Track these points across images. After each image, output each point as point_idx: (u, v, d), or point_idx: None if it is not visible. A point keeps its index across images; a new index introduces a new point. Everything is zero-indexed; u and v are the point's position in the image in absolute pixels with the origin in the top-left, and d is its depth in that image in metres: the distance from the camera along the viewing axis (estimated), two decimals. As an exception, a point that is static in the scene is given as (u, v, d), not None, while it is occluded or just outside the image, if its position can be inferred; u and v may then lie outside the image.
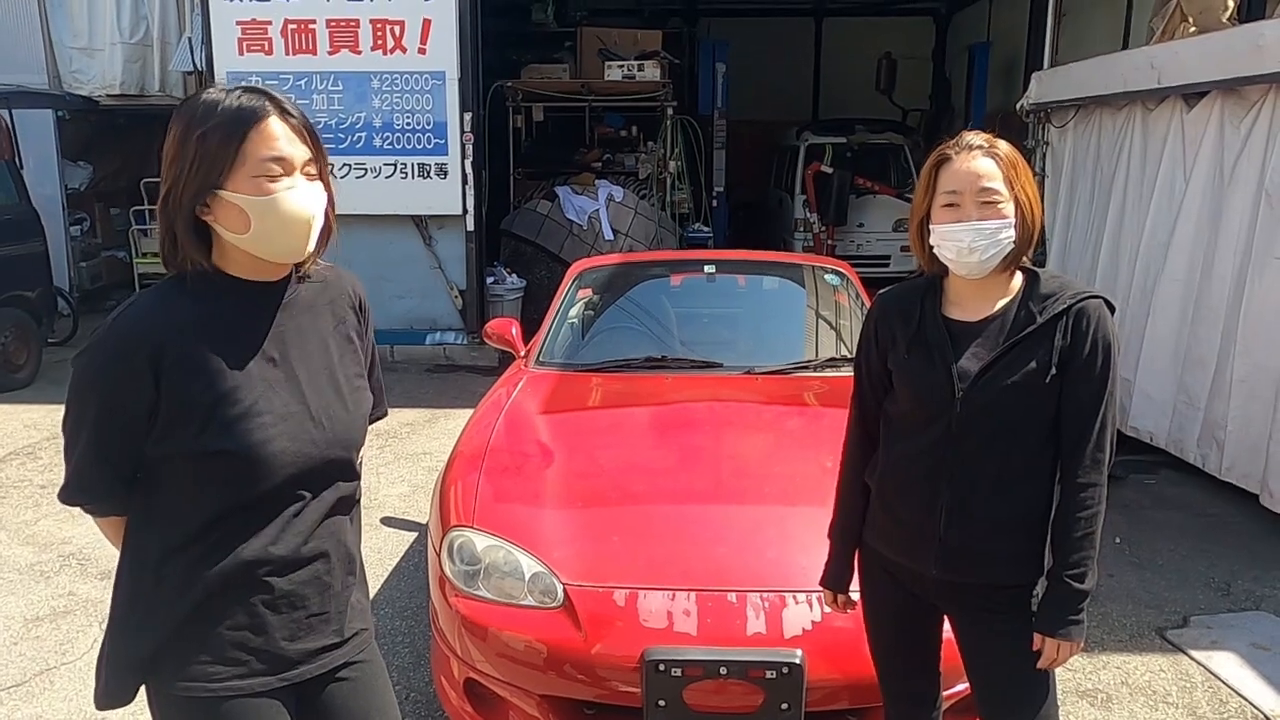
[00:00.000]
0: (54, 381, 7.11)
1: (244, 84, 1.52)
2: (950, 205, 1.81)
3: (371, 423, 1.72)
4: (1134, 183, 5.64)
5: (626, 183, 9.69)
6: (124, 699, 1.58)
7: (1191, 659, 3.34)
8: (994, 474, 1.85)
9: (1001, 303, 1.88)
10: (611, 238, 8.81)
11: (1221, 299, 4.88)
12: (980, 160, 1.80)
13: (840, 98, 15.02)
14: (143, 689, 1.58)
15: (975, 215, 1.78)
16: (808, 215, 11.22)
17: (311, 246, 1.53)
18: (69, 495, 1.56)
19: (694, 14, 14.69)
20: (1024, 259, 1.89)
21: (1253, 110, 4.70)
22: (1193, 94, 5.17)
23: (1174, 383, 5.23)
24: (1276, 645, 3.42)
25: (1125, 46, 8.07)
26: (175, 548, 1.51)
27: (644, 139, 10.23)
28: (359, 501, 1.71)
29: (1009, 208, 1.79)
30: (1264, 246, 4.54)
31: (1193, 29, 5.69)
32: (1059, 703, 1.95)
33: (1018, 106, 7.29)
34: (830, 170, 11.10)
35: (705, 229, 10.23)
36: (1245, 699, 3.09)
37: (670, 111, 9.62)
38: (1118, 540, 4.34)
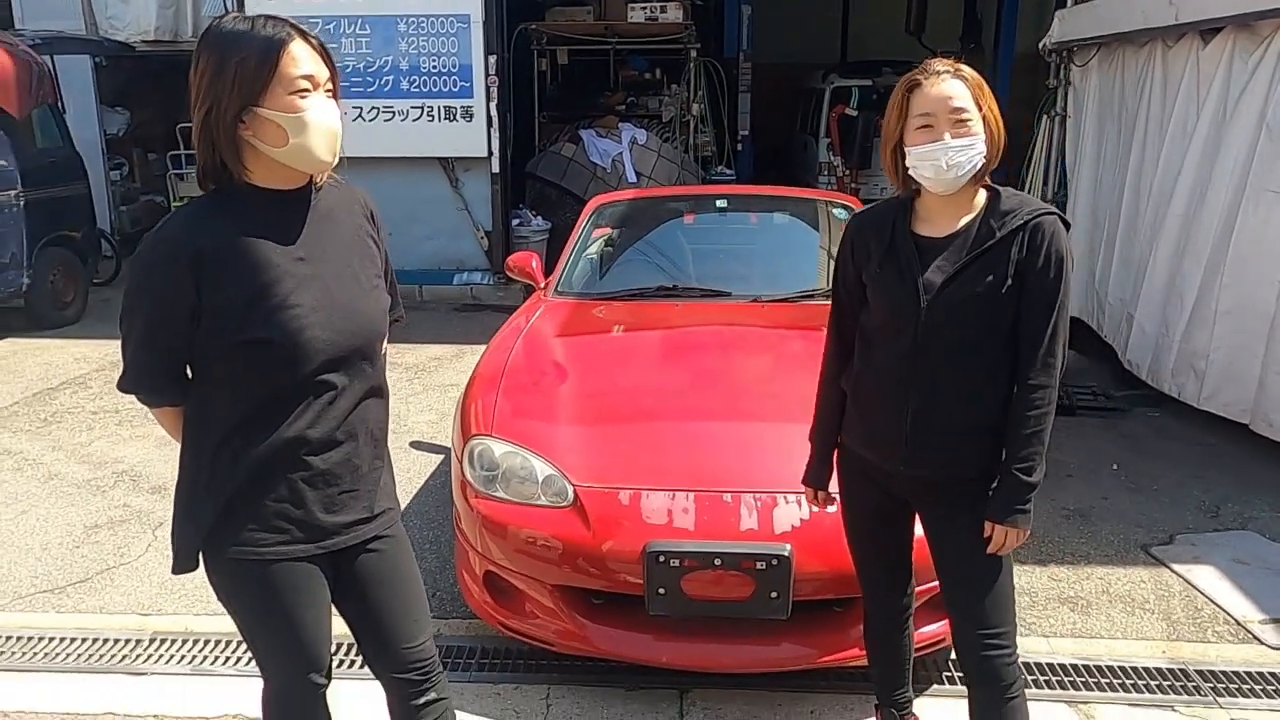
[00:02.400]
0: (101, 319, 7.44)
1: (262, 14, 1.68)
2: (925, 127, 1.95)
3: (391, 324, 1.91)
4: (1154, 120, 5.67)
5: (650, 125, 9.76)
6: (191, 566, 1.80)
7: (1173, 571, 3.52)
8: (956, 379, 2.02)
9: (965, 219, 2.03)
10: (634, 180, 8.93)
11: (1209, 232, 4.95)
12: (950, 82, 1.94)
13: (869, 40, 14.84)
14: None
15: (949, 134, 1.93)
16: (832, 158, 11.22)
17: (336, 158, 1.72)
18: (125, 384, 1.77)
19: (721, -45, 14.53)
20: (987, 179, 2.03)
21: (1262, 45, 4.71)
22: (1209, 30, 5.17)
23: (1161, 316, 5.34)
24: (1257, 561, 3.59)
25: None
26: (228, 432, 1.72)
27: (667, 82, 10.27)
28: (386, 393, 1.90)
29: (978, 125, 1.93)
30: (1259, 179, 4.60)
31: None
32: (1014, 584, 2.15)
33: (1040, 45, 7.27)
34: (855, 113, 11.06)
35: (729, 171, 10.31)
36: (1219, 606, 3.27)
37: (694, 54, 9.64)
38: (1115, 467, 4.50)
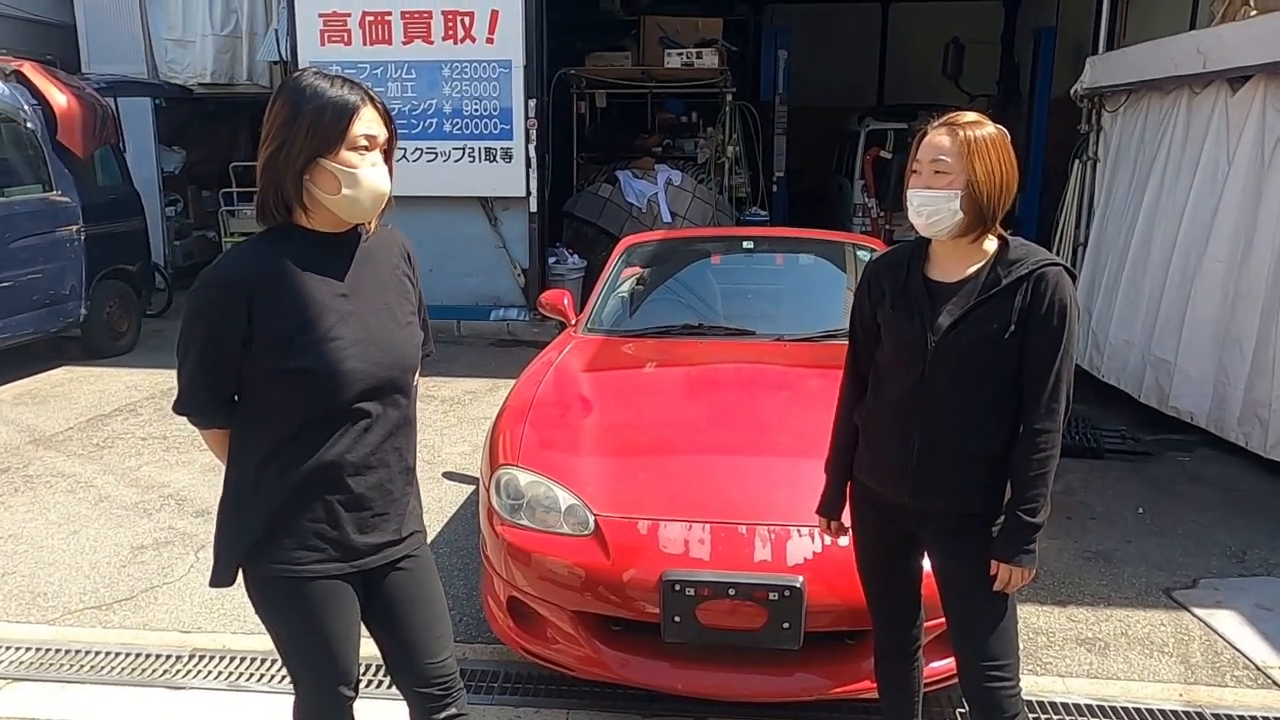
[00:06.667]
0: (152, 349, 7.73)
1: (340, 74, 1.84)
2: (914, 172, 2.07)
3: (422, 357, 2.04)
4: (1173, 165, 5.72)
5: (685, 167, 9.96)
6: (229, 580, 1.92)
7: (1194, 615, 3.51)
8: (960, 415, 2.09)
9: (974, 267, 2.11)
10: (669, 220, 9.10)
11: (1261, 279, 4.96)
12: (939, 135, 2.04)
13: (906, 84, 14.98)
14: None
15: (926, 183, 2.04)
16: (866, 200, 11.32)
17: (377, 212, 1.88)
18: (179, 406, 1.91)
19: (761, 1, 14.84)
20: (996, 228, 2.12)
21: (1294, 93, 4.76)
22: (1238, 78, 5.23)
23: (1214, 363, 5.31)
24: (1280, 607, 3.58)
25: (1193, 29, 8.00)
26: (269, 454, 1.85)
27: (703, 124, 10.48)
28: (415, 424, 2.02)
29: (957, 180, 2.00)
30: (1304, 228, 4.62)
31: (1254, 12, 5.71)
32: (1019, 618, 2.20)
33: (1071, 91, 7.34)
34: (890, 155, 11.17)
35: (762, 212, 10.44)
36: (1239, 651, 3.26)
37: (729, 98, 9.84)
38: (1140, 510, 4.50)
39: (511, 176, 8.48)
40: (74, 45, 10.30)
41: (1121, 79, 6.57)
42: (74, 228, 7.15)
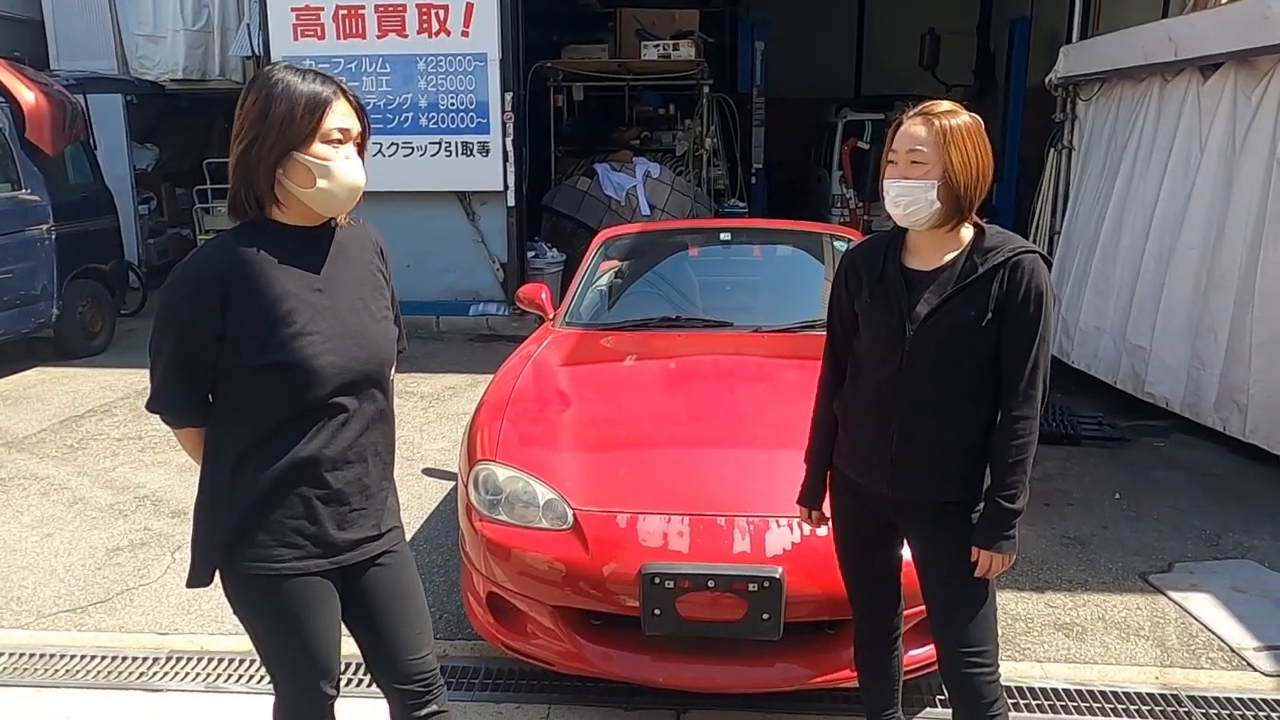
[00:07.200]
0: (127, 349, 7.64)
1: (312, 68, 1.83)
2: (890, 163, 2.07)
3: (396, 353, 2.03)
4: (1144, 152, 5.76)
5: (664, 159, 9.94)
6: (206, 580, 1.90)
7: (1169, 599, 3.55)
8: (937, 404, 2.10)
9: (951, 255, 2.12)
10: (648, 213, 9.08)
11: (1233, 266, 5.01)
12: (915, 125, 2.04)
13: (883, 75, 15.02)
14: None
15: (902, 173, 2.03)
16: (844, 191, 11.35)
17: (351, 205, 1.87)
18: (153, 404, 1.89)
19: (737, -8, 14.84)
20: (972, 217, 2.12)
21: (1264, 80, 4.81)
22: (1209, 65, 5.27)
23: (1188, 349, 5.37)
24: (1254, 589, 3.62)
25: (1165, 18, 8.05)
26: (245, 451, 1.83)
27: (681, 117, 10.47)
28: (392, 418, 2.01)
29: (934, 170, 2.00)
30: (1276, 215, 4.66)
31: (1224, 1, 5.75)
32: (999, 605, 2.21)
33: (1046, 80, 7.38)
34: (867, 146, 11.19)
35: (741, 204, 10.45)
36: (1214, 633, 3.30)
37: (706, 89, 9.82)
38: (1117, 496, 4.54)
39: (489, 170, 8.44)
40: (42, 41, 10.15)
41: (1095, 68, 6.62)
42: (44, 226, 7.05)
